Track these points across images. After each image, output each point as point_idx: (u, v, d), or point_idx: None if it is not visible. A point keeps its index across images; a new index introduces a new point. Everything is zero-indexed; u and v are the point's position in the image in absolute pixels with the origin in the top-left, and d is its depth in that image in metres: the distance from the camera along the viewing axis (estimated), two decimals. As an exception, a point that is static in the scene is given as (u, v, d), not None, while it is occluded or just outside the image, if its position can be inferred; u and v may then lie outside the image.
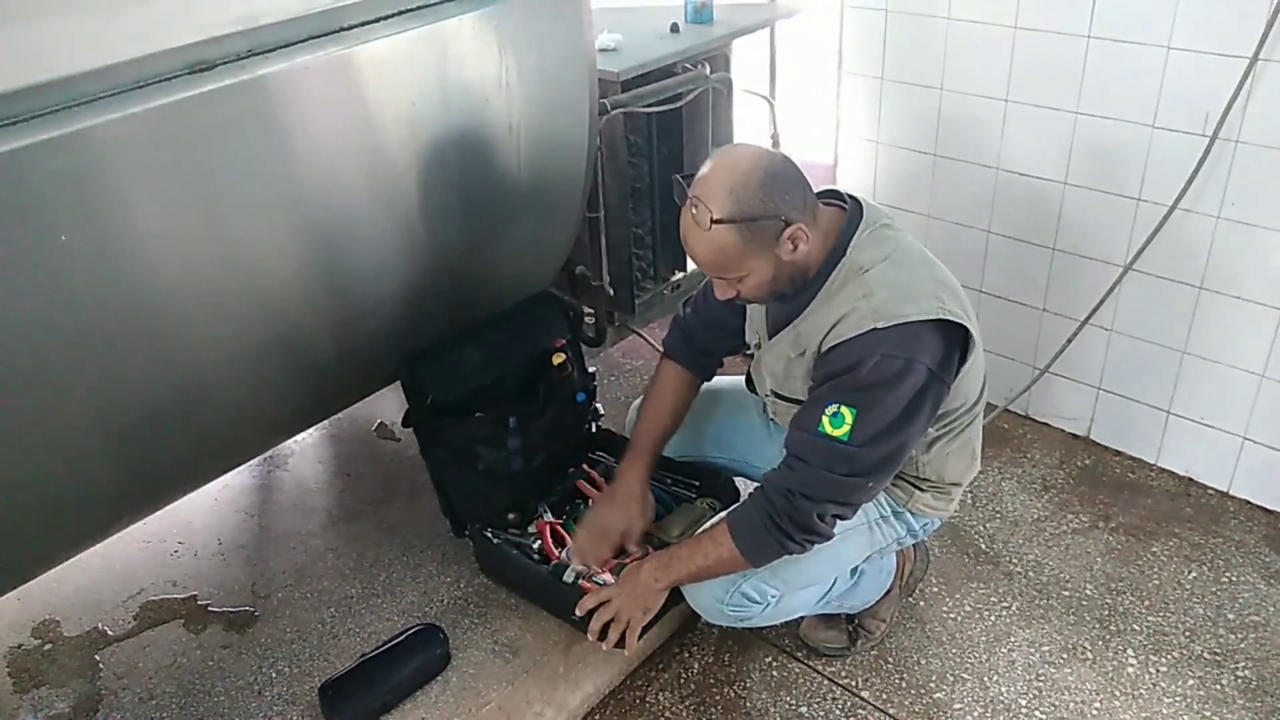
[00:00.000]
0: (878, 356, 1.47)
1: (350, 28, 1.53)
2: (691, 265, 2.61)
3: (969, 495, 2.40)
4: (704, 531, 1.70)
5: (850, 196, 1.63)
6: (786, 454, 1.59)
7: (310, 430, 2.48)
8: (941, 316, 1.50)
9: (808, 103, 2.79)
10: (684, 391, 1.93)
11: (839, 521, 1.60)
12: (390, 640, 1.85)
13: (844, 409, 1.49)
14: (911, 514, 1.76)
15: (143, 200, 1.37)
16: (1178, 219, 2.16)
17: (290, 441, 2.46)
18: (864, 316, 1.49)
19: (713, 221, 1.46)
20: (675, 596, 1.79)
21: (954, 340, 1.54)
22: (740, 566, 1.65)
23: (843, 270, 1.56)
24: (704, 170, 1.51)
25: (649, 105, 2.41)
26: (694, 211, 1.48)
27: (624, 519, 1.87)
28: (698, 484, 2.07)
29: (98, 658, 1.93)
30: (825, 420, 1.50)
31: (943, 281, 1.57)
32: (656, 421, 1.91)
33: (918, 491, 1.74)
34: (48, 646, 1.96)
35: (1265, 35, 1.92)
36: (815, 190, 1.58)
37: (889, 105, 2.60)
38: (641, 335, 2.84)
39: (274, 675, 1.87)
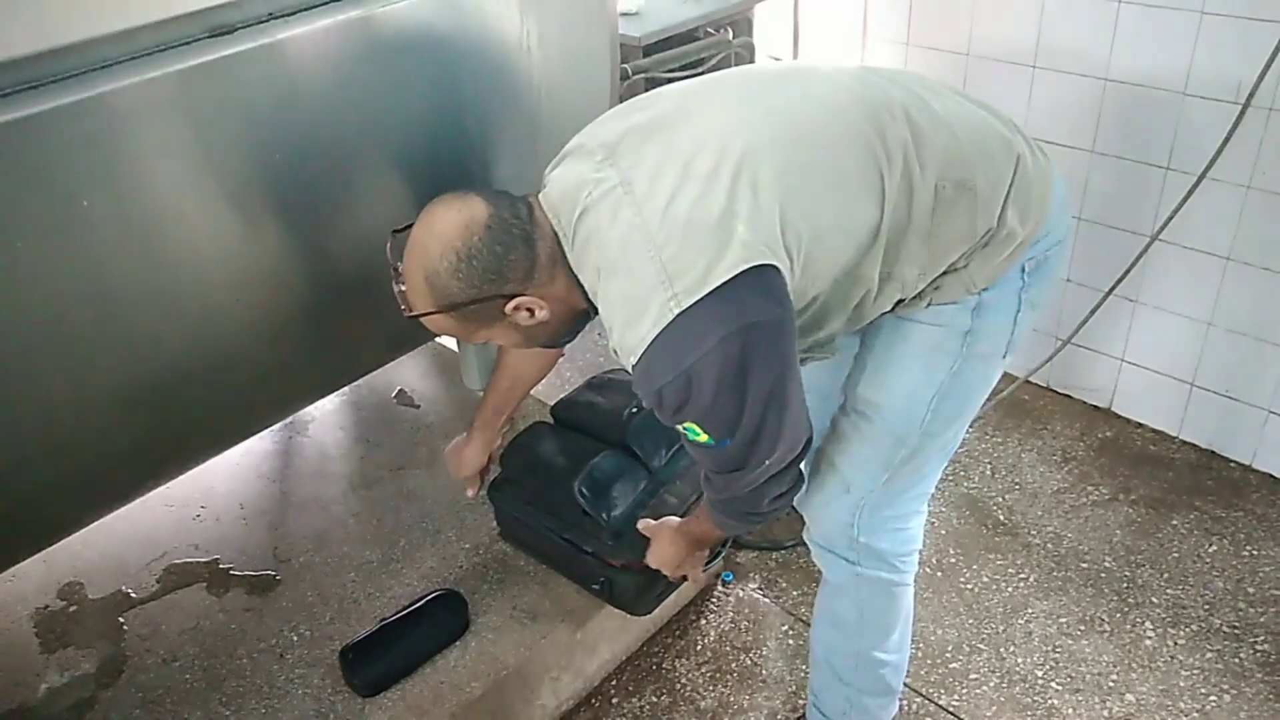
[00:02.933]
0: (657, 395, 1.23)
1: (370, -9, 1.52)
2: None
3: (988, 466, 2.39)
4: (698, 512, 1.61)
5: (526, 203, 1.32)
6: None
7: (330, 396, 2.49)
8: (676, 314, 1.17)
9: (830, 68, 2.75)
10: (539, 361, 1.75)
11: (794, 476, 1.36)
12: (410, 605, 1.87)
13: (688, 426, 1.26)
14: (986, 291, 1.35)
15: (164, 165, 1.36)
16: (1207, 188, 2.13)
17: (311, 408, 2.47)
18: (623, 360, 1.25)
19: (414, 314, 1.29)
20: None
21: (728, 292, 1.16)
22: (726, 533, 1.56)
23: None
24: (409, 240, 1.28)
25: (671, 70, 2.38)
26: (399, 295, 1.30)
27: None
28: None
29: (122, 620, 1.96)
30: (687, 436, 1.30)
31: (662, 258, 1.18)
32: (510, 392, 1.79)
33: (955, 272, 1.33)
34: (73, 608, 1.99)
35: (1302, 0, 1.88)
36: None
37: (915, 70, 2.56)
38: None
39: (295, 639, 1.89)
